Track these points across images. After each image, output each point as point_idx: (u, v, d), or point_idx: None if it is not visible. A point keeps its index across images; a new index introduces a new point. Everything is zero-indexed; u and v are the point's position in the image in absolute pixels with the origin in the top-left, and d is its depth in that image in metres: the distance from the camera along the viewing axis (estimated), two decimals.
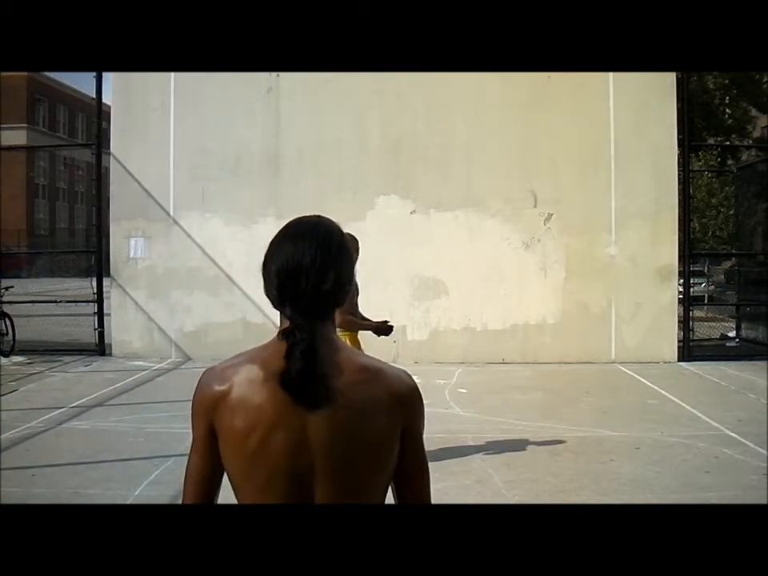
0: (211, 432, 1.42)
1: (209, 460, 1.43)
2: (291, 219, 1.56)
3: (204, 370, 1.48)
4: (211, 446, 1.42)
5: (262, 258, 1.50)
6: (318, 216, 1.55)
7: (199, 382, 1.46)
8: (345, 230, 1.58)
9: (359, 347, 6.05)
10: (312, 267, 1.43)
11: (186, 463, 1.46)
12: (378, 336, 5.73)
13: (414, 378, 1.54)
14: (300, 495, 1.39)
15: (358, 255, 6.05)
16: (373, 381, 1.43)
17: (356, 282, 6.07)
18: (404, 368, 1.53)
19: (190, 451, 1.46)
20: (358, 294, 6.09)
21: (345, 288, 1.49)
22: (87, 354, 11.61)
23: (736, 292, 14.85)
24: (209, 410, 1.42)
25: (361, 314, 6.07)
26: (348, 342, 5.86)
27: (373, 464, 1.42)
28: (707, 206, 20.44)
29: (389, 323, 5.75)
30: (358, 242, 6.15)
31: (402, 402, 1.45)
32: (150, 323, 11.67)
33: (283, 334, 1.40)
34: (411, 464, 1.49)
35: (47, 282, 25.09)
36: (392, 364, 1.51)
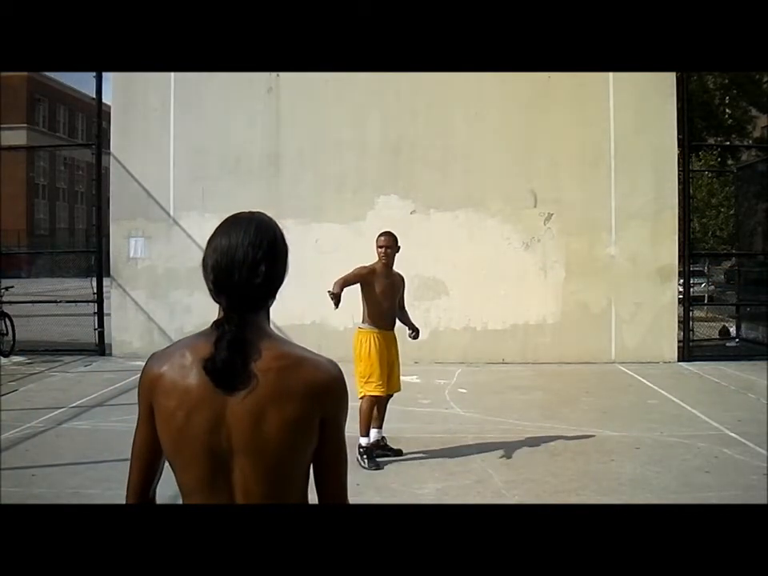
0: (150, 411, 1.53)
1: (149, 436, 1.54)
2: (228, 216, 1.63)
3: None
4: (151, 424, 1.53)
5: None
6: (252, 212, 1.63)
7: (144, 364, 1.58)
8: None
9: (396, 343, 6.19)
10: (244, 262, 1.52)
11: None
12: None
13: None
14: (220, 472, 1.46)
15: (382, 248, 6.22)
16: (291, 369, 1.50)
17: (386, 281, 6.16)
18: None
19: (136, 427, 1.57)
20: (404, 288, 6.29)
21: (276, 281, 1.58)
22: (87, 354, 11.61)
23: (736, 292, 14.85)
24: (148, 391, 1.53)
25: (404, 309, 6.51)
26: (374, 339, 5.94)
27: (284, 447, 1.47)
28: (707, 206, 20.43)
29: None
30: (382, 235, 6.30)
31: (320, 392, 1.51)
32: (150, 323, 11.66)
33: (215, 324, 1.50)
34: (329, 452, 1.54)
35: (47, 282, 25.09)
36: (318, 353, 1.59)
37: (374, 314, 6.10)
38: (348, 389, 1.60)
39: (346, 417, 1.59)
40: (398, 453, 6.20)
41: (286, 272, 1.63)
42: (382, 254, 6.22)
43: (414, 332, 6.44)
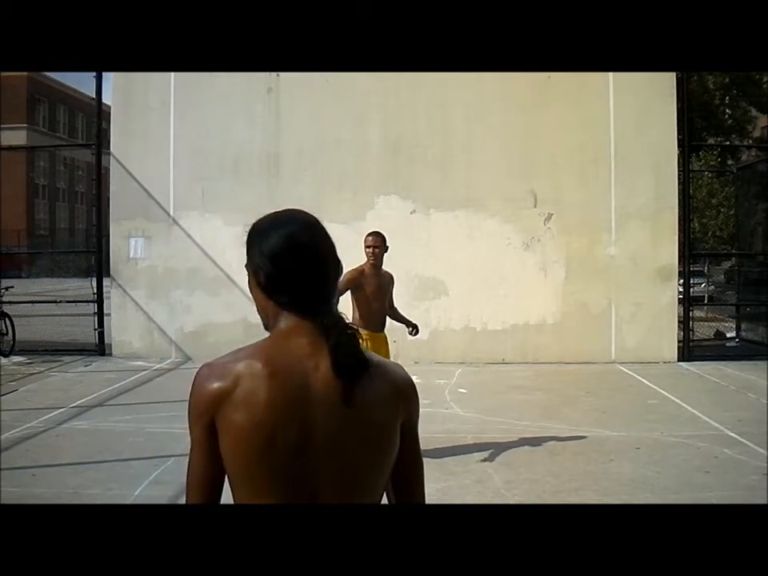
0: (212, 431, 1.35)
1: (211, 461, 1.36)
2: (277, 210, 1.52)
3: (200, 366, 1.42)
4: (213, 446, 1.35)
5: (248, 249, 1.48)
6: (306, 214, 1.51)
7: (197, 378, 1.38)
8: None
9: (386, 345, 6.15)
10: (329, 256, 1.42)
11: (186, 463, 1.42)
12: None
13: (414, 377, 1.54)
14: (303, 495, 1.35)
15: (371, 248, 6.17)
16: (378, 374, 1.39)
17: (375, 282, 6.13)
18: (405, 368, 1.52)
19: (191, 453, 1.39)
20: (393, 287, 6.26)
21: (335, 277, 1.46)
22: (87, 354, 11.61)
23: (736, 292, 14.85)
24: (210, 408, 1.34)
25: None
26: (372, 341, 5.92)
27: (377, 461, 1.39)
28: (707, 206, 20.43)
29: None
30: (370, 235, 6.26)
31: (403, 396, 1.43)
32: (150, 323, 11.66)
33: (323, 325, 1.36)
34: (408, 459, 1.46)
35: (47, 282, 25.08)
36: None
37: (364, 315, 6.02)
38: None
39: (418, 419, 1.49)
40: None
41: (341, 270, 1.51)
42: (370, 254, 6.14)
43: (413, 329, 6.39)
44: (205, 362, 1.42)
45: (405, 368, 1.50)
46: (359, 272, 6.09)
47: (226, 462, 1.36)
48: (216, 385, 1.35)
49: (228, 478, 1.38)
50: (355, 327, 1.41)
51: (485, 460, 6.04)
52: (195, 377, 1.40)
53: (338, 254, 1.47)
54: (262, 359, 1.36)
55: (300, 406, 1.33)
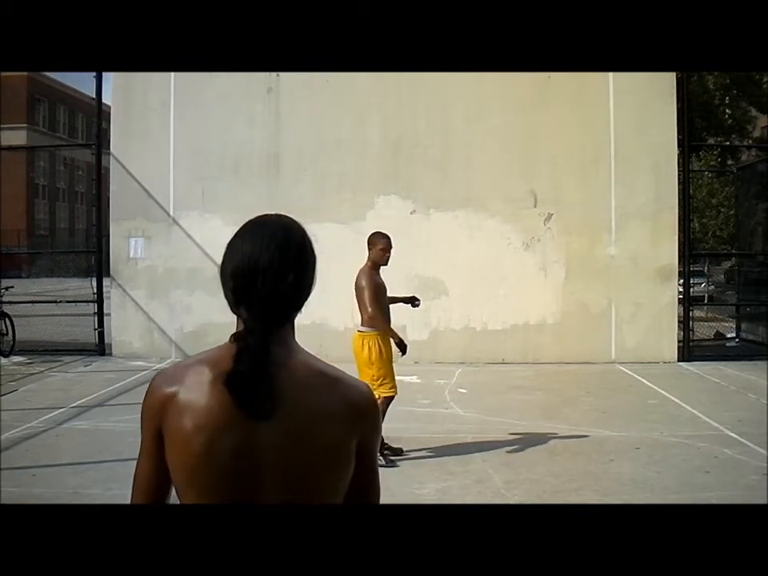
0: (159, 437, 1.36)
1: (158, 465, 1.37)
2: (252, 218, 1.50)
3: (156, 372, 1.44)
4: (160, 454, 1.36)
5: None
6: (279, 215, 1.49)
7: (149, 385, 1.40)
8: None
9: (390, 347, 6.10)
10: (269, 268, 1.37)
11: None
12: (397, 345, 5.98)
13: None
14: (245, 499, 1.33)
15: (385, 249, 6.11)
16: (330, 388, 1.37)
17: (382, 282, 6.09)
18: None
19: (138, 458, 1.40)
20: (385, 293, 6.15)
21: (304, 292, 1.44)
22: (87, 354, 11.61)
23: (736, 292, 14.85)
24: (157, 413, 1.36)
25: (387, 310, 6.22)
26: (379, 341, 5.92)
27: (321, 473, 1.35)
28: (707, 206, 20.43)
29: (402, 346, 6.02)
30: (379, 237, 6.19)
31: (359, 414, 1.38)
32: (150, 323, 11.66)
33: (235, 337, 1.35)
34: (365, 480, 1.43)
35: (47, 282, 25.09)
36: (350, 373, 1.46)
37: (383, 316, 6.05)
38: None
39: (379, 436, 1.47)
40: (398, 452, 6.21)
41: (314, 283, 1.48)
42: (386, 258, 6.12)
43: (416, 300, 6.43)
44: (161, 369, 1.44)
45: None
46: (375, 275, 6.06)
47: (171, 468, 1.36)
48: (163, 391, 1.36)
49: (174, 484, 1.38)
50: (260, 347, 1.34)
51: (485, 460, 6.04)
52: (149, 383, 1.41)
53: (309, 262, 1.46)
54: (209, 365, 1.37)
55: (239, 412, 1.31)
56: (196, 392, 1.34)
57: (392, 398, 6.03)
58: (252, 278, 1.37)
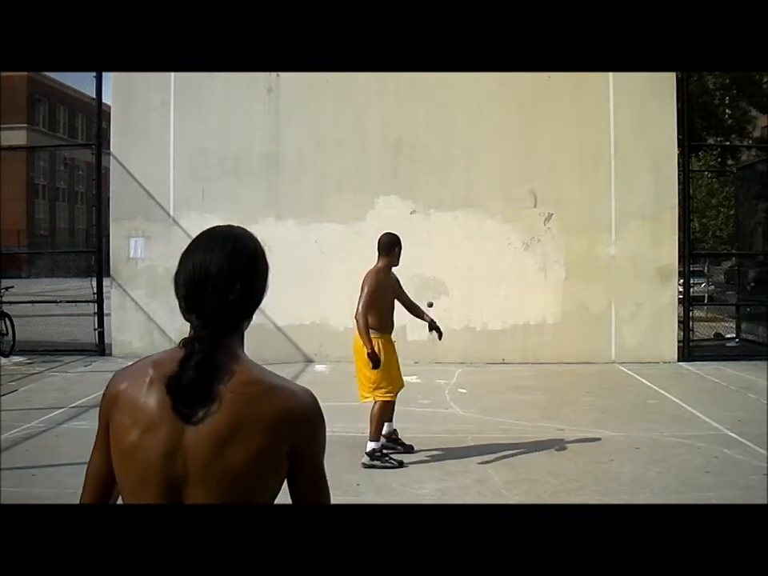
0: (107, 429, 1.44)
1: (106, 458, 1.44)
2: (205, 229, 1.54)
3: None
4: (107, 447, 1.43)
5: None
6: (231, 226, 1.55)
7: (108, 382, 1.48)
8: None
9: (392, 351, 6.08)
10: (218, 277, 1.42)
11: None
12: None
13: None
14: (172, 500, 1.37)
15: (400, 251, 6.10)
16: (262, 396, 1.39)
17: (392, 283, 6.04)
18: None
19: (92, 448, 1.49)
20: (393, 294, 6.14)
21: (253, 300, 1.49)
22: (87, 354, 11.61)
23: (736, 292, 14.85)
24: (107, 407, 1.44)
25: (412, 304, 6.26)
26: (380, 344, 5.90)
27: (245, 479, 1.37)
28: (707, 206, 20.43)
29: (372, 358, 5.79)
30: (397, 239, 6.16)
31: (293, 421, 1.40)
32: (150, 323, 11.66)
33: (183, 342, 1.40)
34: (305, 486, 1.44)
35: (47, 282, 25.09)
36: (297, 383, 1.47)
37: (383, 318, 6.00)
38: (325, 417, 1.47)
39: (322, 449, 1.47)
40: (409, 449, 6.21)
41: (264, 292, 1.53)
42: (399, 259, 6.13)
43: (435, 330, 6.29)
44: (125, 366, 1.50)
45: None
46: (381, 278, 6.01)
47: (113, 460, 1.43)
48: (115, 387, 1.44)
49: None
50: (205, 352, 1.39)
51: (485, 460, 6.04)
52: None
53: (258, 271, 1.50)
54: (157, 366, 1.42)
55: (172, 414, 1.36)
56: (139, 390, 1.40)
57: (389, 403, 6.00)
58: (201, 286, 1.42)
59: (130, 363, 1.51)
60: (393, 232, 6.27)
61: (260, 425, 1.37)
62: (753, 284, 13.93)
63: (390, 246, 6.08)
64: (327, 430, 1.50)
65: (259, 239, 1.56)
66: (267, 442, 1.37)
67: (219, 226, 1.53)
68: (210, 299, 1.41)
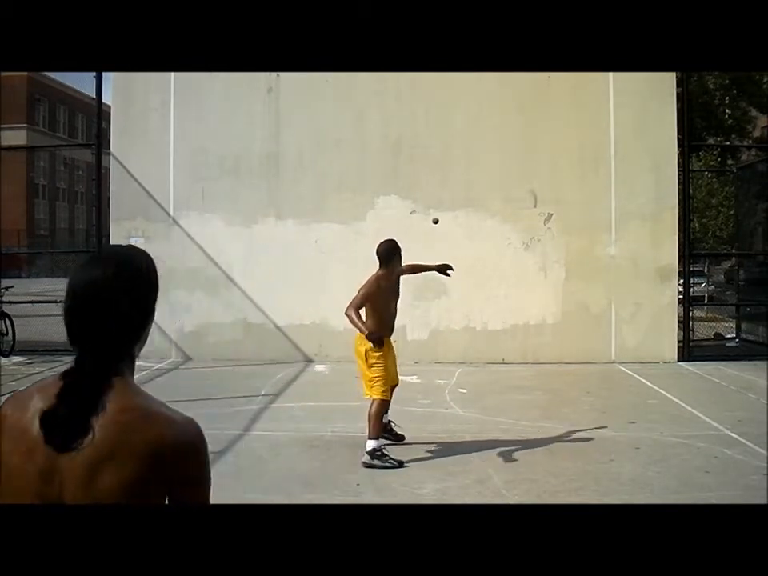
0: None
1: None
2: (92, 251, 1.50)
3: None
4: None
5: None
6: (121, 245, 1.49)
7: None
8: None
9: (391, 351, 6.17)
10: (100, 301, 1.36)
11: None
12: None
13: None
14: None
15: (401, 258, 6.16)
16: (139, 423, 1.35)
17: (391, 285, 6.06)
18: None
19: None
20: (390, 298, 6.16)
21: (142, 323, 1.43)
22: None
23: (736, 292, 14.85)
24: None
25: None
26: (387, 345, 5.96)
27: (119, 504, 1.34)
28: (707, 206, 20.44)
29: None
30: (395, 246, 6.20)
31: (166, 452, 1.34)
32: None
33: (64, 374, 1.36)
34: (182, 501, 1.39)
35: (47, 282, 25.07)
36: (180, 411, 1.42)
37: (384, 320, 6.12)
38: (208, 449, 1.40)
39: (204, 480, 1.40)
40: (400, 438, 6.23)
41: (152, 314, 1.46)
42: (401, 263, 6.22)
43: (446, 268, 6.41)
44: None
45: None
46: (379, 284, 6.07)
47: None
48: (2, 412, 1.40)
49: None
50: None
51: (485, 460, 6.04)
52: None
53: (142, 295, 1.42)
54: (41, 393, 1.38)
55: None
56: (21, 417, 1.36)
57: (385, 401, 6.06)
58: (83, 311, 1.36)
59: (22, 388, 1.46)
60: (391, 238, 6.29)
61: (134, 453, 1.33)
62: (742, 283, 13.94)
63: (388, 255, 6.13)
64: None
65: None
66: (141, 471, 1.33)
67: (107, 245, 1.49)
68: (93, 325, 1.36)
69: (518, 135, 11.32)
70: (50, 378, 1.41)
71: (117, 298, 1.37)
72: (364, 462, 5.83)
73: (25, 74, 38.14)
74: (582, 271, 11.25)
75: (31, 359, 11.28)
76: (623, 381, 9.85)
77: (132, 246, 1.50)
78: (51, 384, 1.37)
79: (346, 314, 5.91)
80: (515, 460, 6.06)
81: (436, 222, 6.75)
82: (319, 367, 10.67)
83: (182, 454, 1.36)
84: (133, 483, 1.32)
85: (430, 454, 6.25)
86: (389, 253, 6.12)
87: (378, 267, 6.17)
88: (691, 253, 12.06)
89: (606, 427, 7.13)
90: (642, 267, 11.22)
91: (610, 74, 10.98)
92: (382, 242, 6.23)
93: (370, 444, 5.88)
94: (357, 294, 6.00)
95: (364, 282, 6.06)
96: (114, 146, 11.86)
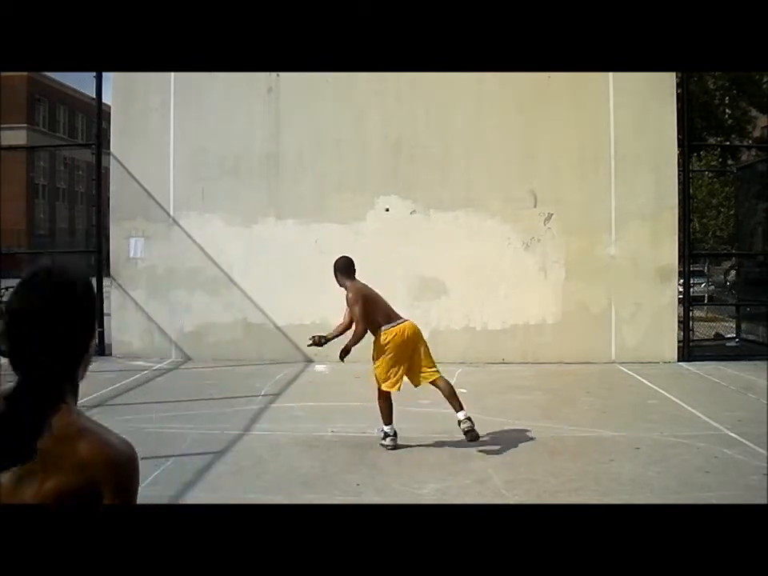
0: None
1: None
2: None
3: None
4: None
5: None
6: (54, 260, 1.43)
7: None
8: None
9: (403, 340, 6.36)
10: (34, 324, 1.33)
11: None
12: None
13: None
14: None
15: (352, 272, 6.43)
16: (70, 440, 1.33)
17: (359, 293, 6.24)
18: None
19: None
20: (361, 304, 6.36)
21: (74, 346, 1.39)
22: None
23: (736, 292, 14.85)
24: None
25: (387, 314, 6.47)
26: (394, 334, 6.26)
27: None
28: (707, 206, 20.45)
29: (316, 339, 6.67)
30: (351, 260, 6.52)
31: (102, 467, 1.33)
32: (150, 323, 11.66)
33: (4, 396, 1.33)
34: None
35: None
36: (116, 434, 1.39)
37: (386, 315, 6.41)
38: (139, 475, 1.40)
39: (128, 500, 1.38)
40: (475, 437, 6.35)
41: (92, 336, 1.43)
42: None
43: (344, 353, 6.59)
44: None
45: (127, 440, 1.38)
46: (360, 291, 6.39)
47: None
48: None
49: None
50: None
51: (485, 460, 6.04)
52: None
53: (77, 312, 1.38)
54: None
55: None
56: None
57: (385, 392, 6.38)
58: (18, 338, 1.34)
59: None
60: (343, 256, 6.63)
61: (65, 465, 1.32)
62: (731, 281, 13.94)
63: (350, 267, 6.50)
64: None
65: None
66: (70, 483, 1.31)
67: (40, 263, 1.41)
68: (30, 351, 1.33)
69: (518, 135, 11.32)
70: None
71: (53, 322, 1.34)
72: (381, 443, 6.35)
73: (25, 74, 38.13)
74: (582, 271, 11.25)
75: None
76: (623, 381, 9.85)
77: (65, 263, 1.42)
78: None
79: (361, 331, 6.28)
80: (515, 460, 6.06)
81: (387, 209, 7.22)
82: (319, 367, 10.67)
83: (111, 473, 1.34)
84: (60, 494, 1.31)
85: (430, 454, 6.25)
86: (352, 265, 6.49)
87: (339, 282, 6.48)
88: (691, 253, 12.06)
89: (606, 427, 7.13)
90: (641, 267, 11.22)
91: (610, 74, 10.98)
92: (340, 259, 6.57)
93: (383, 428, 6.40)
94: (351, 312, 6.35)
95: (351, 299, 6.33)
96: (114, 146, 11.86)
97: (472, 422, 6.24)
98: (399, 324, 6.37)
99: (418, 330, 6.50)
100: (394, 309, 6.54)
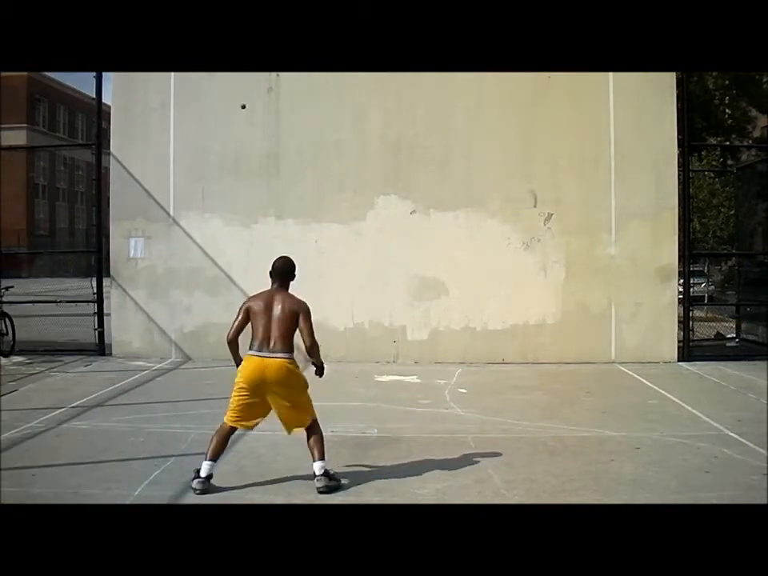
0: None
1: None
2: None
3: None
4: None
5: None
6: None
7: None
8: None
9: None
10: None
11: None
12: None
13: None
14: None
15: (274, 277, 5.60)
16: None
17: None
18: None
19: None
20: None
21: None
22: (87, 354, 11.59)
23: (736, 292, 14.85)
24: None
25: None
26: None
27: None
28: (708, 206, 20.43)
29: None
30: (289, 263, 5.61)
31: None
32: (150, 323, 11.66)
33: None
34: None
35: (47, 282, 25.07)
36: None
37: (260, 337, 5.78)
38: None
39: None
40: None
41: None
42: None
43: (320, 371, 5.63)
44: None
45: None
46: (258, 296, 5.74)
47: None
48: None
49: None
50: None
51: (485, 460, 6.04)
52: None
53: None
54: None
55: None
56: None
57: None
58: None
59: None
60: (282, 256, 5.72)
61: None
62: (724, 280, 13.94)
63: (292, 269, 5.64)
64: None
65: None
66: None
67: None
68: None
69: (518, 135, 11.32)
70: None
71: None
72: (320, 488, 5.00)
73: (25, 73, 38.13)
74: (582, 271, 11.25)
75: (31, 359, 11.28)
76: (623, 381, 9.85)
77: None
78: None
79: (315, 345, 5.40)
80: (515, 460, 6.06)
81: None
82: None
83: None
84: None
85: (430, 454, 6.25)
86: (293, 268, 5.67)
87: (279, 285, 5.68)
88: (691, 253, 12.06)
89: (606, 427, 7.13)
90: (641, 267, 11.22)
91: (610, 74, 10.97)
92: (281, 258, 5.71)
93: (321, 465, 5.16)
94: (306, 322, 5.45)
95: (300, 307, 5.49)
96: (114, 146, 11.85)
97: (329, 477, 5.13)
98: (264, 357, 5.46)
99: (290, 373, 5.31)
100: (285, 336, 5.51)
